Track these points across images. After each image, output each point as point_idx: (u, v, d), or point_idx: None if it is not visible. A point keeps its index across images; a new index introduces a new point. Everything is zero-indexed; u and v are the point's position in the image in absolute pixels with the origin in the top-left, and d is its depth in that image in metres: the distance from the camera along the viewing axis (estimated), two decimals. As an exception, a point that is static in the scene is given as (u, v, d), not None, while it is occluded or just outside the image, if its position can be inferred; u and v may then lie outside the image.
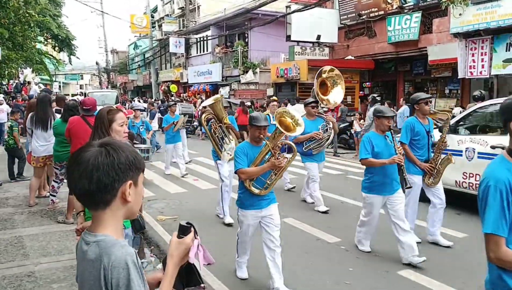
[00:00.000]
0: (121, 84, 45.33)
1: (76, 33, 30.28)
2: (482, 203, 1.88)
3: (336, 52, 18.12)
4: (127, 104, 23.85)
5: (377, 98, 15.59)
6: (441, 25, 13.07)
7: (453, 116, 7.58)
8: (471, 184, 6.35)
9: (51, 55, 28.19)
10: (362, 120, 13.22)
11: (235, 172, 3.96)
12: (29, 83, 25.65)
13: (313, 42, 17.52)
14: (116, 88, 41.45)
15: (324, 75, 7.19)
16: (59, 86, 48.20)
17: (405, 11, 14.64)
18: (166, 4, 34.82)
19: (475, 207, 2.12)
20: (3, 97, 17.32)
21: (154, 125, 13.40)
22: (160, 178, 9.57)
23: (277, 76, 18.16)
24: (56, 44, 28.31)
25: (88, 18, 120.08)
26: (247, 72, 21.82)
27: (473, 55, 11.79)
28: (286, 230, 5.39)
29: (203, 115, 6.30)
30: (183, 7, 29.99)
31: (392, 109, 14.15)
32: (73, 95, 45.52)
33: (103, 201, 1.33)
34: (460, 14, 11.54)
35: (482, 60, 11.55)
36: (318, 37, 17.23)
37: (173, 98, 26.96)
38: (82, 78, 66.01)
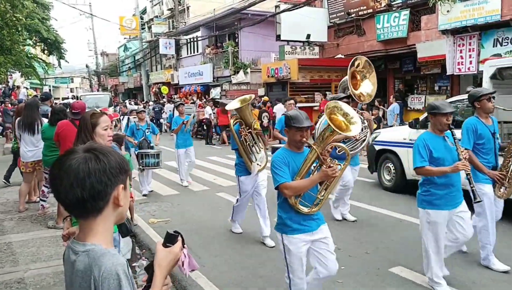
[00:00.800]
0: (112, 86, 45.10)
1: (66, 36, 30.03)
2: None
3: (326, 51, 18.17)
4: (118, 107, 23.69)
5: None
6: (429, 22, 13.15)
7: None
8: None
9: (41, 59, 27.98)
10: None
11: (276, 188, 3.17)
12: (18, 87, 25.40)
13: (303, 41, 17.54)
14: (107, 91, 41.26)
15: (357, 68, 5.99)
16: (49, 90, 47.79)
17: (394, 8, 14.71)
18: (155, 5, 34.68)
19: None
20: None
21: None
22: (153, 181, 9.51)
23: (268, 76, 18.17)
24: (45, 48, 28.10)
25: (77, 21, 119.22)
26: (238, 72, 21.82)
27: (461, 51, 11.89)
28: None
29: (232, 121, 5.47)
30: (172, 8, 29.90)
31: (382, 107, 14.25)
32: (63, 98, 45.21)
33: (96, 208, 1.30)
34: (448, 11, 11.63)
35: (470, 56, 11.66)
36: (308, 36, 17.26)
37: (164, 100, 26.90)
38: (72, 81, 65.49)
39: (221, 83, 23.07)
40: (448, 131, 3.87)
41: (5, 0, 14.68)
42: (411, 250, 4.86)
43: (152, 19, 34.09)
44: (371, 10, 15.69)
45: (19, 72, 25.59)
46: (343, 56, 17.06)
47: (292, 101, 7.99)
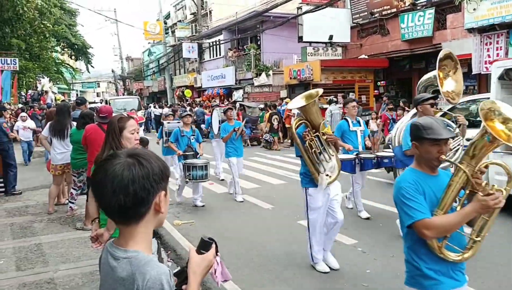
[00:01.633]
0: (137, 90, 45.88)
1: (91, 42, 30.82)
2: None
3: (349, 52, 18.02)
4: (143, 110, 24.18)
5: (333, 98, 15.41)
6: (455, 21, 12.89)
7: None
8: None
9: (68, 64, 28.76)
10: (378, 120, 13.11)
11: (409, 226, 2.28)
12: (46, 92, 26.17)
13: (325, 43, 17.46)
14: (132, 95, 42.01)
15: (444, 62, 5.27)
16: (77, 95, 49.02)
17: (418, 7, 14.50)
18: (178, 10, 35.13)
19: None
20: (22, 107, 17.68)
21: None
22: (174, 181, 9.60)
23: (290, 78, 18.15)
24: (73, 53, 28.87)
25: (103, 26, 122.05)
26: (260, 74, 21.88)
27: (488, 50, 11.60)
28: (302, 233, 5.38)
29: (294, 123, 4.59)
30: (195, 13, 30.24)
31: (407, 108, 13.99)
32: (90, 102, 46.26)
33: (138, 215, 1.28)
34: (474, 9, 11.38)
35: (498, 54, 11.35)
36: (331, 37, 17.16)
37: (188, 102, 27.20)
38: (99, 86, 67.18)
39: (243, 86, 23.17)
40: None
41: (34, 7, 15.15)
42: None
43: (175, 24, 34.52)
44: (394, 10, 15.49)
45: (48, 77, 26.35)
46: (366, 57, 16.90)
47: (355, 103, 6.60)
